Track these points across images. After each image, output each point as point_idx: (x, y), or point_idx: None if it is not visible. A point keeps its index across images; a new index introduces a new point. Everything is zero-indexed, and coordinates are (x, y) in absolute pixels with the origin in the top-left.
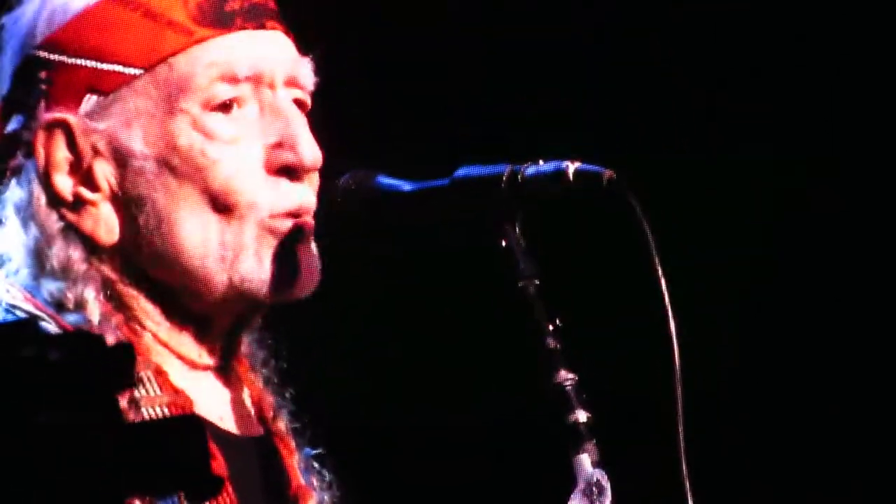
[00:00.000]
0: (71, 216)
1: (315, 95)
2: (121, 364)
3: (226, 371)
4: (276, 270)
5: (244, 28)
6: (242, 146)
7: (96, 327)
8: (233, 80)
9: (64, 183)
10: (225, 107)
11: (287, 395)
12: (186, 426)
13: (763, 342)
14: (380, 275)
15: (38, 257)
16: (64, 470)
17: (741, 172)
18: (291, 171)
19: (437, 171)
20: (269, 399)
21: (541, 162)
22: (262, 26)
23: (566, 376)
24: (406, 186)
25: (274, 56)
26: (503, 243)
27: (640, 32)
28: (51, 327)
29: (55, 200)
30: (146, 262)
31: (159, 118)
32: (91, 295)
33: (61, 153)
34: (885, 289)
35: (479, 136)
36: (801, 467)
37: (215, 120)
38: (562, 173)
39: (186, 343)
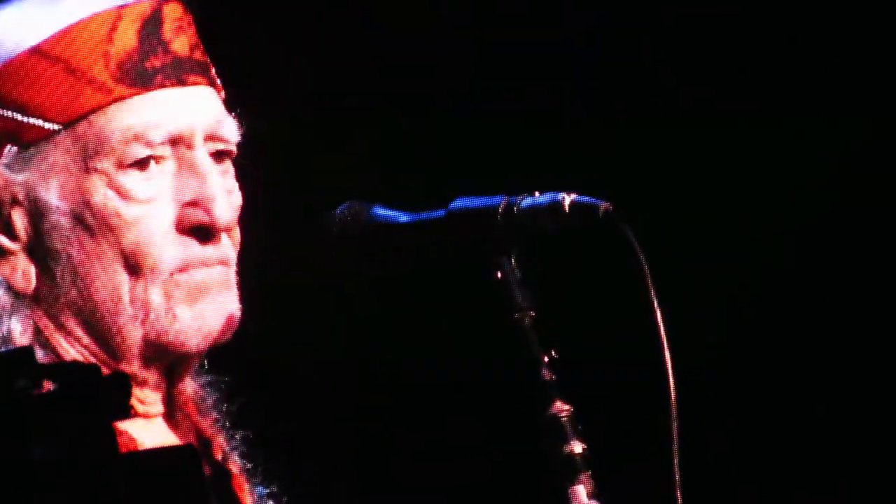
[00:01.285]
0: None
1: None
2: (117, 394)
3: (171, 417)
4: (192, 321)
5: (163, 86)
6: (156, 206)
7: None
8: (148, 143)
9: None
10: (141, 164)
11: (238, 436)
12: (183, 457)
13: (758, 374)
14: (375, 306)
15: None
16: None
17: (739, 203)
18: (204, 231)
19: (433, 203)
20: (220, 441)
21: (536, 193)
22: (183, 83)
23: (562, 408)
24: (402, 217)
25: (193, 114)
26: (499, 275)
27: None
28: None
29: None
30: (65, 314)
31: (76, 174)
32: (18, 328)
33: None
34: (871, 294)
35: (475, 165)
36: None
37: (131, 179)
38: (558, 205)
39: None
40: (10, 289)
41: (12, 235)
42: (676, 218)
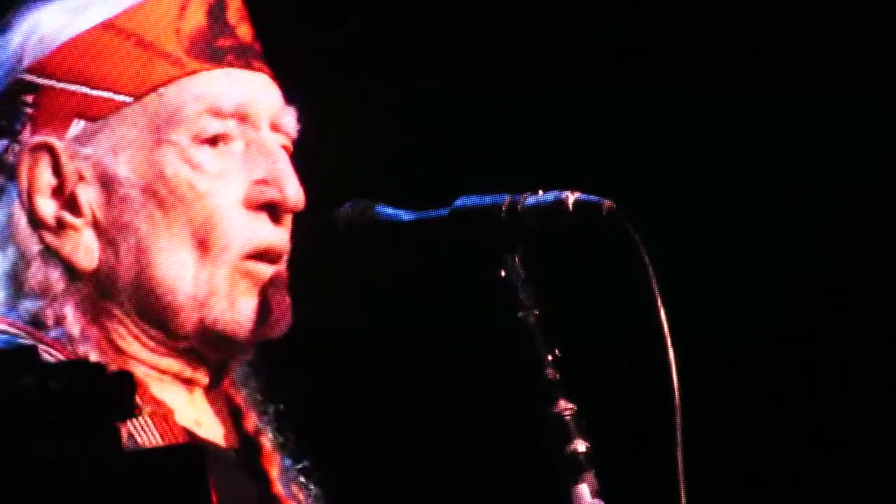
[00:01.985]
0: (51, 239)
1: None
2: (122, 393)
3: (213, 389)
4: (248, 313)
5: (233, 65)
6: (228, 180)
7: (77, 340)
8: (219, 114)
9: (46, 206)
10: (212, 141)
11: (270, 410)
12: (188, 456)
13: (765, 371)
14: (377, 305)
15: (16, 279)
16: (63, 501)
17: (744, 203)
18: (273, 209)
19: (437, 201)
20: (252, 415)
21: (540, 192)
22: (250, 66)
23: (565, 406)
24: (406, 216)
25: (260, 97)
26: (502, 273)
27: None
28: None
29: (36, 223)
30: (122, 290)
31: (147, 147)
32: (70, 311)
33: (45, 177)
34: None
35: (478, 164)
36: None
37: (203, 153)
38: (561, 203)
39: (168, 364)
40: (68, 270)
41: (77, 211)
42: (680, 216)
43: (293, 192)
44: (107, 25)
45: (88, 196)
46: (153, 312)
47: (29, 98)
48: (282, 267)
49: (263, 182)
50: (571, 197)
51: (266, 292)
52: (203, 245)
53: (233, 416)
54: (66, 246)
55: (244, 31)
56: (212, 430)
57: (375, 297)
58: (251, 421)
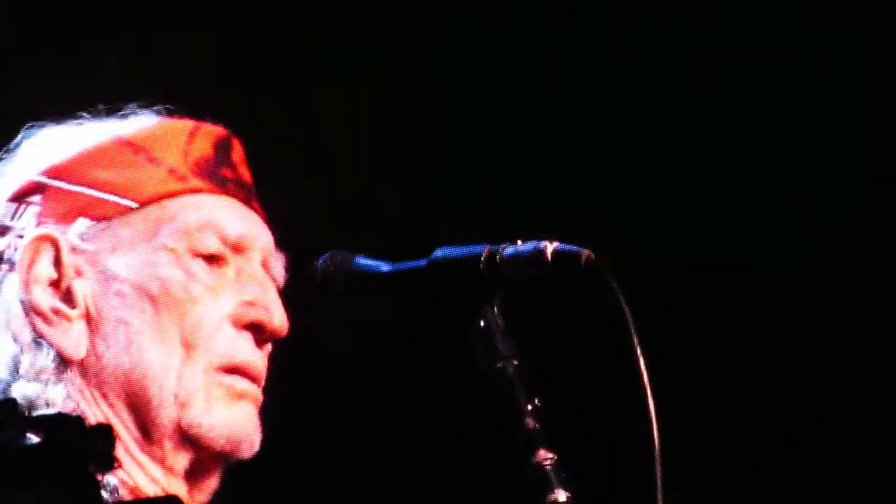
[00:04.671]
0: (42, 327)
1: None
2: (101, 445)
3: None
4: (222, 422)
5: (235, 196)
6: (218, 295)
7: None
8: (222, 238)
9: (43, 297)
10: (208, 259)
11: None
12: None
13: (744, 420)
14: (358, 356)
15: (13, 363)
16: None
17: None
18: (258, 331)
19: (415, 252)
20: None
21: (519, 242)
22: (249, 203)
23: (545, 455)
24: (384, 267)
25: (257, 234)
26: (482, 324)
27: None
28: None
29: (30, 311)
30: (110, 379)
31: (146, 250)
32: (60, 396)
33: (44, 268)
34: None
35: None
36: None
37: (198, 265)
38: (540, 253)
39: (154, 452)
40: (58, 356)
41: (71, 303)
42: (658, 263)
43: (279, 318)
44: (120, 140)
45: (84, 289)
46: (137, 405)
47: (36, 198)
48: (258, 389)
49: (251, 304)
50: (550, 247)
51: (241, 408)
52: (188, 346)
53: None
54: (57, 335)
55: (244, 172)
56: None
57: (354, 347)
58: None
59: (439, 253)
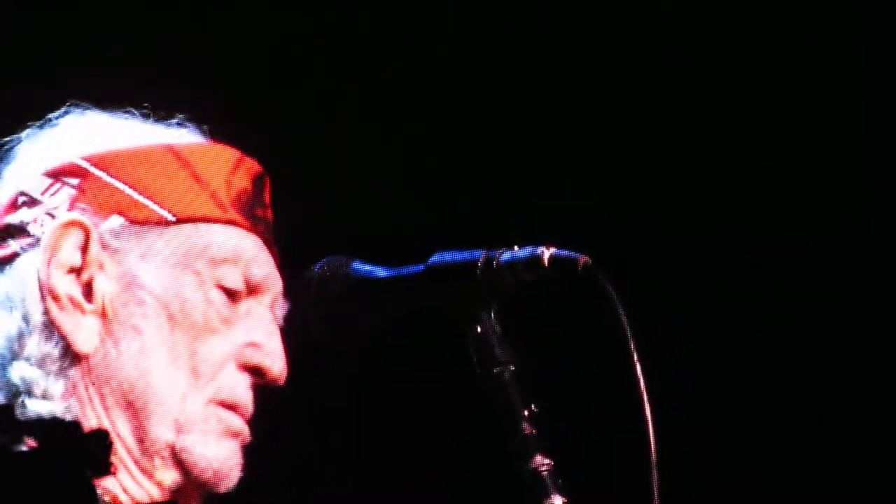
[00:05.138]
0: (55, 313)
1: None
2: (97, 450)
3: None
4: (215, 453)
5: (262, 236)
6: (230, 329)
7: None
8: (244, 275)
9: (61, 281)
10: (228, 292)
11: None
12: None
13: (741, 424)
14: (354, 360)
15: (18, 342)
16: None
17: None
18: (257, 374)
19: (413, 258)
20: None
21: (515, 247)
22: (271, 246)
23: (542, 461)
24: (381, 273)
25: (276, 279)
26: (478, 329)
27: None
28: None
29: (46, 293)
30: (114, 383)
31: (173, 265)
32: (59, 391)
33: (70, 254)
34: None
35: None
36: None
37: (217, 295)
38: (537, 259)
39: (144, 463)
40: (65, 348)
41: (89, 297)
42: (657, 269)
43: (279, 368)
44: (170, 148)
45: (104, 286)
46: (136, 416)
47: (74, 181)
48: (247, 430)
49: (258, 347)
50: (547, 252)
51: (232, 446)
52: (196, 374)
53: None
54: (68, 324)
55: (270, 213)
56: None
57: (353, 353)
58: None
59: (436, 258)
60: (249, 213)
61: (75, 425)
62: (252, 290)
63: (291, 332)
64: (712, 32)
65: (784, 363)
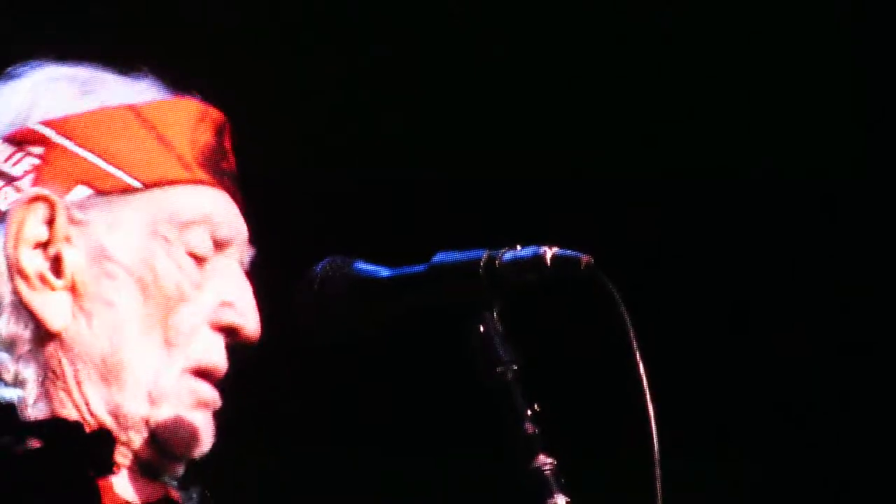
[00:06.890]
0: (24, 291)
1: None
2: (100, 450)
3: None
4: (187, 424)
5: (229, 190)
6: (202, 293)
7: (29, 406)
8: (212, 236)
9: (29, 258)
10: (196, 257)
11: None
12: None
13: (745, 428)
14: (355, 360)
15: None
16: None
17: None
18: (231, 334)
19: (415, 257)
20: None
21: (518, 247)
22: (236, 196)
23: (545, 461)
24: (383, 272)
25: (241, 229)
26: (481, 329)
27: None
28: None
29: (14, 272)
30: (88, 357)
31: (142, 235)
32: (32, 376)
33: (36, 229)
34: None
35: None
36: None
37: (189, 260)
38: (539, 258)
39: (120, 437)
40: (37, 329)
41: (57, 272)
42: (659, 272)
43: (254, 325)
44: (133, 109)
45: (72, 260)
46: (109, 390)
47: (38, 149)
48: (218, 397)
49: (230, 305)
50: (549, 252)
51: (203, 416)
52: (169, 345)
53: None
54: (38, 300)
55: (233, 160)
56: None
57: (353, 353)
58: None
59: (438, 258)
60: (215, 168)
61: (78, 425)
62: (219, 245)
63: (291, 332)
64: (712, 32)
65: (784, 363)
